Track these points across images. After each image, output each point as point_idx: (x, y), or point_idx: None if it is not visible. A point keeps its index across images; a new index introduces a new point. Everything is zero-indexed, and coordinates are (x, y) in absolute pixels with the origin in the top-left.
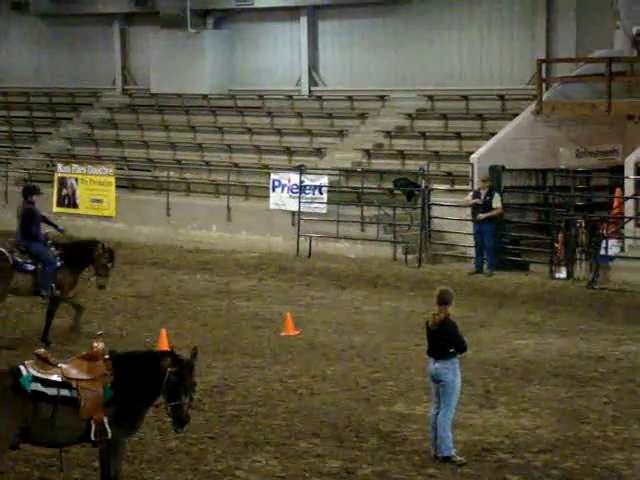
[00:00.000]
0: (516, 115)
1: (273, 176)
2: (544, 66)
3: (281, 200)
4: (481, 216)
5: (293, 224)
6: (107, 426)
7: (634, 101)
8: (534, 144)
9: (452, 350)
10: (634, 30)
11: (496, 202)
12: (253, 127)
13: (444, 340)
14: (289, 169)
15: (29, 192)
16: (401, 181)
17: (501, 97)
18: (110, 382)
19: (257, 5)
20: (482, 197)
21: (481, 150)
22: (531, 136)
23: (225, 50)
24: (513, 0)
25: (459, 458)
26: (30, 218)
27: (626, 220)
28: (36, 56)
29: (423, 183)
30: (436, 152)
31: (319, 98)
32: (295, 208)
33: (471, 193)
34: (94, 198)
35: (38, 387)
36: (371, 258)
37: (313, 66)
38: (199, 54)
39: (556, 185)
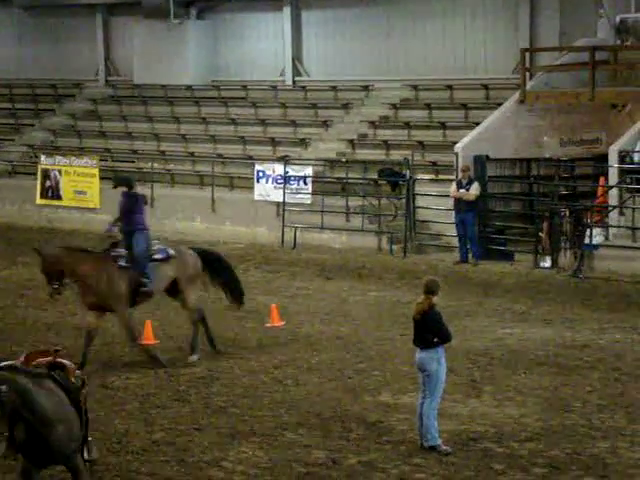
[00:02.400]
0: (500, 104)
1: (257, 167)
2: (528, 55)
3: (266, 191)
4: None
5: (278, 215)
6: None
7: (618, 90)
8: (518, 133)
9: (436, 340)
10: (617, 19)
11: (472, 189)
12: (237, 118)
13: (428, 330)
14: (273, 160)
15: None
16: (386, 171)
17: (485, 87)
18: None
19: None
20: (464, 186)
21: (465, 140)
22: (515, 125)
23: (208, 41)
24: None
25: (445, 447)
26: None
27: (610, 209)
28: (18, 48)
29: (408, 173)
30: (420, 142)
31: (303, 88)
32: (280, 199)
33: (454, 183)
34: (78, 190)
35: None
36: (356, 248)
37: (297, 56)
38: (182, 45)
39: (540, 174)
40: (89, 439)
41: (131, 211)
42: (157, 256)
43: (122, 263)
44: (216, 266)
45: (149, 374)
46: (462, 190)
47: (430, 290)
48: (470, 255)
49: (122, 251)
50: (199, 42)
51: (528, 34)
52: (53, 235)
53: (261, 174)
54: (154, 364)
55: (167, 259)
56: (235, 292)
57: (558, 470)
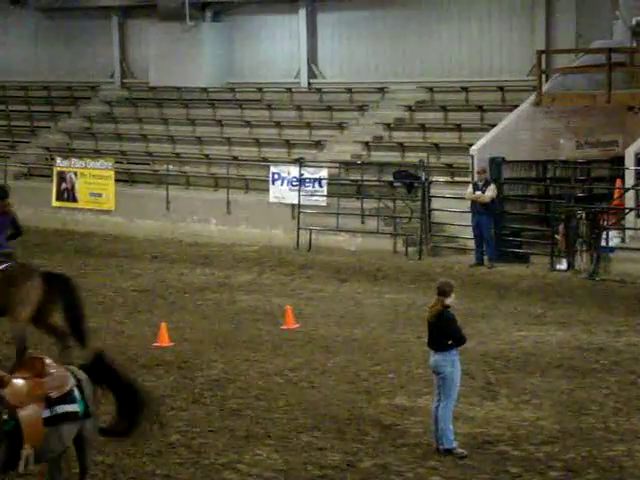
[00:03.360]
0: (516, 106)
1: (273, 169)
2: (544, 57)
3: (281, 193)
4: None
5: (293, 217)
6: None
7: (634, 92)
8: (534, 135)
9: (450, 342)
10: (633, 21)
11: (488, 191)
12: (252, 120)
13: (442, 332)
14: (289, 162)
15: None
16: (401, 173)
17: (501, 88)
18: None
19: None
20: (480, 188)
21: (481, 142)
22: (531, 127)
23: (224, 43)
24: None
25: (460, 450)
26: None
27: (627, 211)
28: (35, 50)
29: (423, 175)
30: (436, 144)
31: (318, 90)
32: (295, 201)
33: (471, 185)
34: (93, 192)
35: None
36: (371, 251)
37: (312, 58)
38: (198, 47)
39: (556, 176)
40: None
41: None
42: None
43: None
44: (61, 292)
45: (164, 376)
46: (478, 192)
47: (441, 291)
48: (486, 257)
49: None
50: (214, 44)
51: (544, 36)
52: (69, 237)
53: (276, 176)
54: None
55: None
56: (76, 326)
57: (574, 473)
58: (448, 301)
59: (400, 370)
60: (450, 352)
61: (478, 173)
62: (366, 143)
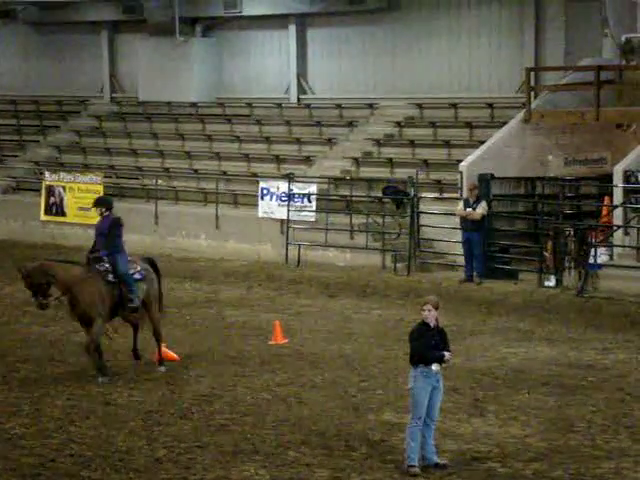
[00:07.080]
0: (505, 123)
1: (262, 184)
2: (533, 74)
3: (270, 208)
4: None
5: (282, 232)
6: None
7: (623, 109)
8: (523, 152)
9: (416, 358)
10: (622, 38)
11: (479, 208)
12: (242, 135)
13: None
14: (278, 177)
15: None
16: (390, 189)
17: (490, 105)
18: None
19: (245, 13)
20: (471, 205)
21: (470, 158)
22: (520, 144)
23: (213, 58)
24: (502, 8)
25: (415, 469)
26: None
27: (615, 228)
28: (24, 64)
29: (412, 191)
30: (425, 160)
31: (308, 106)
32: (284, 216)
33: (462, 202)
34: (82, 206)
35: None
36: (360, 266)
37: (302, 74)
38: (187, 62)
39: (545, 193)
40: None
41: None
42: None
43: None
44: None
45: (152, 391)
46: (469, 209)
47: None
48: (475, 274)
49: (107, 266)
50: (204, 59)
51: (533, 53)
52: (57, 251)
53: (265, 191)
54: (98, 374)
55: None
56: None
57: None
58: (423, 315)
59: (388, 386)
60: (414, 368)
61: (470, 190)
62: (355, 159)
